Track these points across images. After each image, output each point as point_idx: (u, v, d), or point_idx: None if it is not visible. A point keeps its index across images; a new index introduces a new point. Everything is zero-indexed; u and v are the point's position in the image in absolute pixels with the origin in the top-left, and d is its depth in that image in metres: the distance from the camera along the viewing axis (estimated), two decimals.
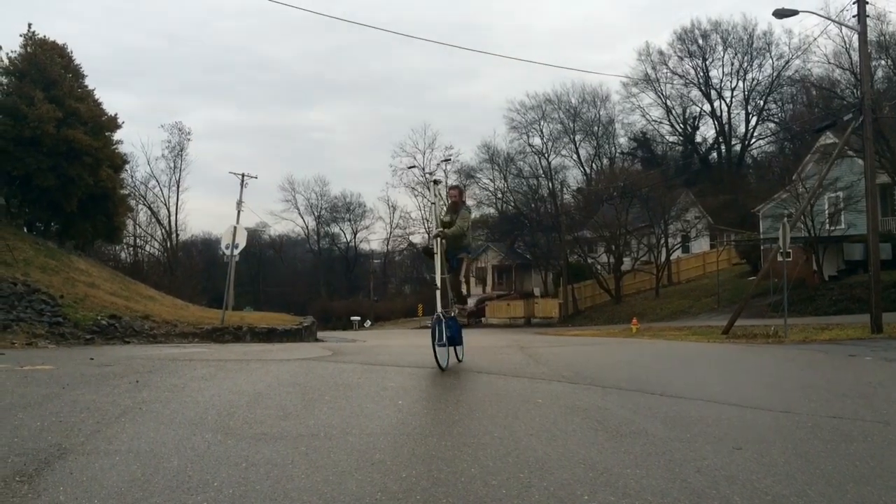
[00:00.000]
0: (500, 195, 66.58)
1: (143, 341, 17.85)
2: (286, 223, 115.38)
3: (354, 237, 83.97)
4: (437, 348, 9.05)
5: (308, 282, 78.74)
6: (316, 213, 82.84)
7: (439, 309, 9.13)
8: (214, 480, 3.98)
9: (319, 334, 27.76)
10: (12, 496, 3.64)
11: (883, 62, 34.04)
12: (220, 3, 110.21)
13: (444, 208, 10.43)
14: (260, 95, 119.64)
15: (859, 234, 29.18)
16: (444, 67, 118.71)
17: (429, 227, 10.14)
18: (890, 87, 34.35)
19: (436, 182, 10.33)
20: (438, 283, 9.30)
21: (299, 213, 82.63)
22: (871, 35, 24.09)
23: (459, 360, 10.22)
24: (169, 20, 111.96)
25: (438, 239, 9.56)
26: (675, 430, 5.67)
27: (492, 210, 67.47)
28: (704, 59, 61.01)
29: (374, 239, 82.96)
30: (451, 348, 9.83)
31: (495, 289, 63.47)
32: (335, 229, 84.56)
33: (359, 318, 61.10)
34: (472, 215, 11.21)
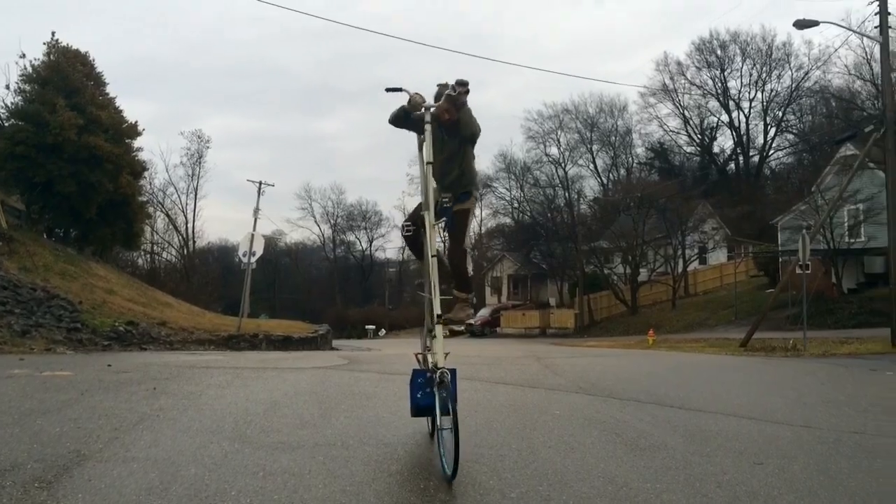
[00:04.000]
0: (516, 204, 66.66)
1: (160, 348, 17.93)
2: (302, 231, 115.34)
3: (370, 245, 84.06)
4: (436, 432, 4.59)
5: (323, 290, 78.81)
6: (332, 221, 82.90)
7: (430, 325, 4.79)
8: (232, 489, 3.97)
9: (335, 343, 27.78)
10: (31, 503, 3.64)
11: None
12: (233, 12, 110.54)
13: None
14: (275, 104, 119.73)
15: (880, 247, 28.84)
16: (450, 77, 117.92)
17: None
18: None
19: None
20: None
21: (315, 221, 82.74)
22: (893, 46, 23.83)
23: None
24: (183, 29, 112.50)
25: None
26: (694, 443, 5.61)
27: (508, 219, 67.53)
28: (723, 70, 60.67)
29: (389, 247, 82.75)
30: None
31: (510, 298, 63.32)
32: (351, 237, 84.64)
33: (374, 326, 61.07)
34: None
